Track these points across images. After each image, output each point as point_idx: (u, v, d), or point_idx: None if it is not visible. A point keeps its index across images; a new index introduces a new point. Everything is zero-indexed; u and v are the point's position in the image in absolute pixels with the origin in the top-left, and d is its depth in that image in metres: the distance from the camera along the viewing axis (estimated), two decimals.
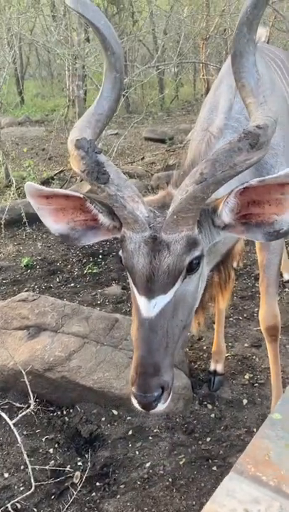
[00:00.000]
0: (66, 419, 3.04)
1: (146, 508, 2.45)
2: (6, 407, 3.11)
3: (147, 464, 2.70)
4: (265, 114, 1.50)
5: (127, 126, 8.77)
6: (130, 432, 2.90)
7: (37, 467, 2.66)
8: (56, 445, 2.87)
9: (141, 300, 1.53)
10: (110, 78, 1.70)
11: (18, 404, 3.05)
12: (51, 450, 2.84)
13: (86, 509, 2.48)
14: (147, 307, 1.52)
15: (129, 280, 1.62)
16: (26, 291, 4.37)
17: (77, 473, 2.65)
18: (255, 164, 1.48)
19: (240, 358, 3.50)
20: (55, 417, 3.07)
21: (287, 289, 4.30)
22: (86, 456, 2.77)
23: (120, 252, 1.61)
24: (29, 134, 11.77)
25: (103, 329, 3.36)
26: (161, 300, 1.52)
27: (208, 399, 3.14)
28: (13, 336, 3.39)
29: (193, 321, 2.19)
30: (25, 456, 2.59)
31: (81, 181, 6.64)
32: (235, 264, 2.80)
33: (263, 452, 1.21)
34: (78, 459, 2.78)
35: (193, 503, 2.47)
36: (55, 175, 7.72)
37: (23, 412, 2.77)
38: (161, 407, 1.51)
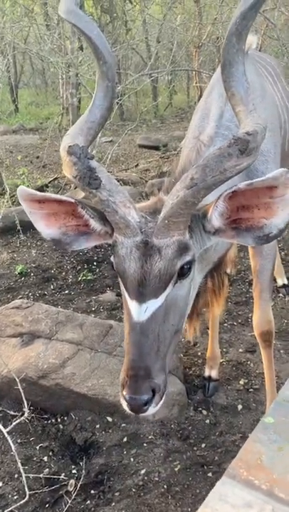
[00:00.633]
0: (60, 426, 3.02)
1: None
2: (0, 415, 3.10)
3: (142, 471, 2.69)
4: (255, 121, 1.52)
5: (121, 134, 8.80)
6: (125, 439, 2.89)
7: (31, 475, 2.64)
8: (50, 453, 2.86)
9: (132, 304, 1.54)
10: (102, 87, 1.72)
11: (12, 412, 3.02)
12: (45, 458, 2.82)
13: None
14: (138, 311, 1.52)
15: (121, 285, 1.63)
16: (20, 298, 4.36)
17: (72, 481, 2.62)
18: (246, 171, 1.49)
19: (234, 364, 3.50)
20: (50, 424, 3.05)
21: (280, 295, 4.32)
22: (81, 463, 2.75)
23: (112, 258, 1.62)
24: (23, 141, 11.81)
25: (97, 336, 3.35)
26: (153, 304, 1.52)
27: (202, 405, 3.14)
28: (7, 343, 3.38)
29: (189, 327, 2.20)
30: (19, 464, 2.57)
31: (75, 188, 6.65)
32: (228, 270, 2.82)
33: (255, 456, 1.21)
34: (73, 466, 2.76)
35: (189, 509, 2.46)
36: (49, 182, 7.74)
37: (17, 420, 2.75)
38: (152, 410, 1.51)
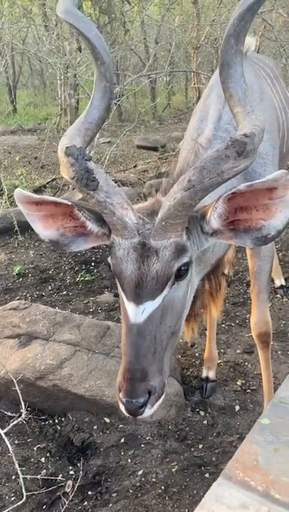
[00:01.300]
0: (58, 427, 3.02)
1: None
2: None
3: (140, 472, 2.69)
4: (253, 123, 1.52)
5: (119, 135, 8.81)
6: (122, 440, 2.89)
7: (28, 477, 2.63)
8: (48, 454, 2.85)
9: (129, 306, 1.54)
10: (100, 87, 1.73)
11: (9, 413, 3.02)
12: (43, 459, 2.82)
13: None
14: (135, 313, 1.52)
15: (118, 286, 1.62)
16: (18, 299, 4.36)
17: (69, 482, 2.62)
18: (244, 173, 1.49)
19: (232, 365, 3.50)
20: (47, 425, 3.05)
21: (278, 296, 4.32)
22: (78, 464, 2.75)
23: (109, 259, 1.62)
24: (21, 142, 11.80)
25: (95, 337, 3.35)
26: (150, 306, 1.52)
27: (200, 406, 3.14)
28: (4, 344, 3.38)
29: (187, 328, 2.20)
30: (16, 465, 2.56)
31: (73, 189, 6.65)
32: (226, 272, 2.82)
33: (251, 457, 1.22)
34: (70, 467, 2.76)
35: (186, 510, 2.46)
36: (47, 183, 7.74)
37: (14, 421, 2.74)
38: (148, 412, 1.51)
